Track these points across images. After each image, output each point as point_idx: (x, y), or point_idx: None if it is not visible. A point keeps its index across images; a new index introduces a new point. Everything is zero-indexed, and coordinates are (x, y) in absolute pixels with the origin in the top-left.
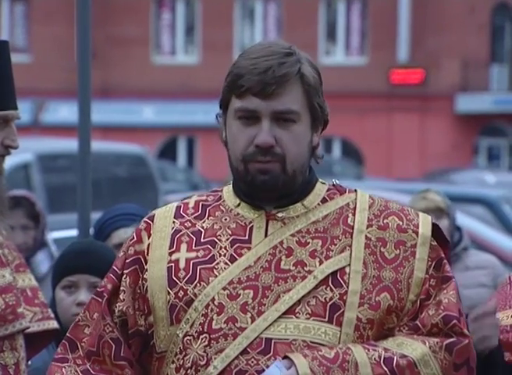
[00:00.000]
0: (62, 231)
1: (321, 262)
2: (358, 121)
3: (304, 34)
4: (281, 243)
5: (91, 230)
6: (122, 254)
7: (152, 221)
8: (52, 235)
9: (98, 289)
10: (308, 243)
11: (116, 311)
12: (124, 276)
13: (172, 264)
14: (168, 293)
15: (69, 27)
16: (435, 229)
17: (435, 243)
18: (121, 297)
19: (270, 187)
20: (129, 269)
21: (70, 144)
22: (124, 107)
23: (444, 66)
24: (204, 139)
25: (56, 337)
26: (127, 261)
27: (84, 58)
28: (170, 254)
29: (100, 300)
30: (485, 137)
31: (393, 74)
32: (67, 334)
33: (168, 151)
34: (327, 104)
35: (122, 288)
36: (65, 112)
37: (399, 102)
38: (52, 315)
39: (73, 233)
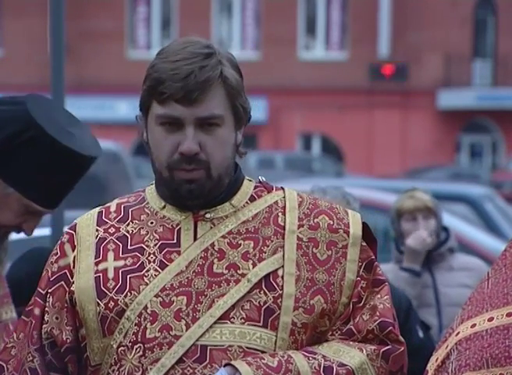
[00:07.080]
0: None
1: (254, 265)
2: (338, 117)
3: (283, 28)
4: (212, 245)
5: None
6: (45, 272)
7: (74, 231)
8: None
9: (26, 308)
10: (240, 244)
11: (43, 333)
12: (48, 295)
13: (100, 274)
14: (98, 304)
15: (42, 21)
16: (364, 228)
17: (365, 243)
18: (45, 318)
19: (196, 195)
20: (54, 288)
21: None
22: (98, 103)
23: (426, 61)
24: None
25: None
26: (51, 279)
27: (58, 52)
28: (96, 264)
29: (27, 320)
30: (467, 134)
31: (374, 69)
32: None
33: (143, 148)
34: (248, 101)
35: (46, 309)
36: None
37: (379, 98)
38: None
39: (46, 232)
